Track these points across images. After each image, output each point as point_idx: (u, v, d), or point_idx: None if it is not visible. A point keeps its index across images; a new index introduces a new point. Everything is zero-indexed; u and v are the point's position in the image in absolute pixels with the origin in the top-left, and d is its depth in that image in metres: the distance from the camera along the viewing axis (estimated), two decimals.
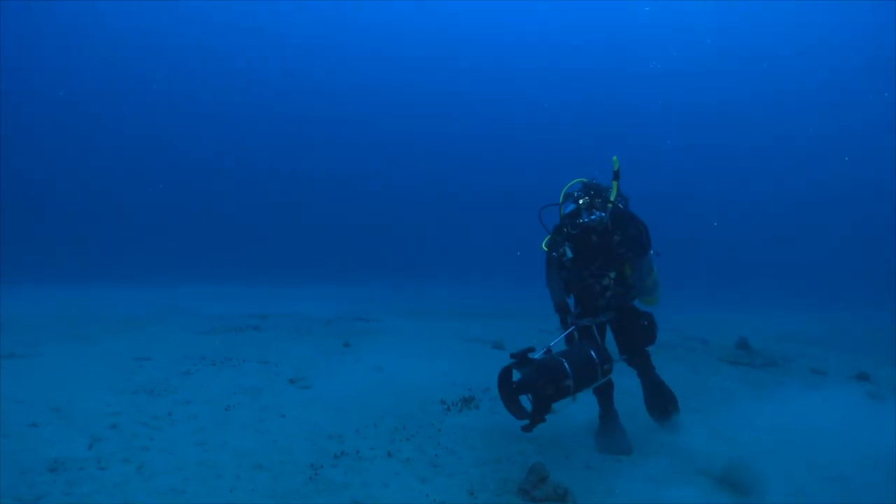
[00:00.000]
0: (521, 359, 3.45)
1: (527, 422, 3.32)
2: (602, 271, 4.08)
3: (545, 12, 48.47)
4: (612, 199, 4.12)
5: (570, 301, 4.29)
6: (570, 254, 4.10)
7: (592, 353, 3.65)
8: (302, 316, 11.02)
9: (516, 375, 3.46)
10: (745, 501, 3.19)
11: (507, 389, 3.46)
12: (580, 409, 4.31)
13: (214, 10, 45.86)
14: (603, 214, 4.00)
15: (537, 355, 3.56)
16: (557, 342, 3.97)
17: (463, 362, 6.83)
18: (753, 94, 47.01)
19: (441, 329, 10.16)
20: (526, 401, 3.47)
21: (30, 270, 20.50)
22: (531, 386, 3.33)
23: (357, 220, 46.71)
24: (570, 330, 4.07)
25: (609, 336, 4.29)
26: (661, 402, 4.31)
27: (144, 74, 47.17)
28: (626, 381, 4.88)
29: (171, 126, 49.52)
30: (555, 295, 4.25)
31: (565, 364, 3.45)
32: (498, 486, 3.30)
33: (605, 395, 4.20)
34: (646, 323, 4.14)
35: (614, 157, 4.27)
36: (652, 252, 4.21)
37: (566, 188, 4.29)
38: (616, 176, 4.22)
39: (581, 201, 4.04)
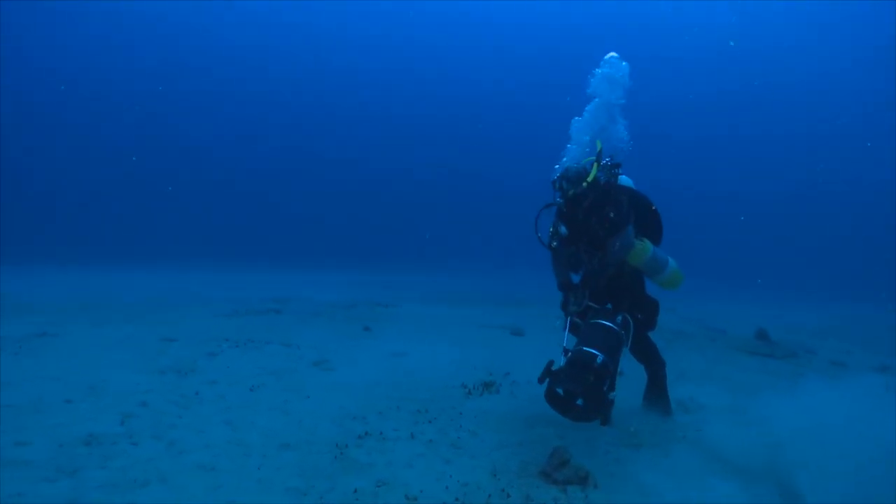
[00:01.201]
0: (550, 375, 3.43)
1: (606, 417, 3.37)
2: (590, 250, 4.13)
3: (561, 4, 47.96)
4: (589, 179, 4.02)
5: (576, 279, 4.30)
6: (564, 230, 4.10)
7: (602, 321, 3.68)
8: (320, 301, 11.14)
9: (560, 391, 3.43)
10: (772, 493, 3.19)
11: (564, 407, 3.43)
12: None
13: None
14: (577, 192, 3.99)
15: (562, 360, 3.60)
16: (568, 338, 3.96)
17: (482, 348, 6.88)
18: (769, 86, 46.31)
19: (459, 315, 10.22)
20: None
21: (53, 255, 20.91)
22: (575, 390, 3.32)
23: (371, 208, 46.90)
24: (568, 321, 4.03)
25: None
26: (651, 407, 4.44)
27: (160, 59, 47.54)
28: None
29: (190, 114, 49.91)
30: (558, 276, 4.26)
31: (585, 349, 3.46)
32: (520, 468, 3.34)
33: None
34: (640, 316, 4.16)
35: (597, 141, 4.25)
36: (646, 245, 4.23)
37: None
38: (598, 158, 4.17)
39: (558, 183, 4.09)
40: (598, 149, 4.20)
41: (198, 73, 49.60)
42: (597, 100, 4.43)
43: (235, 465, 3.20)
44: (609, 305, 4.21)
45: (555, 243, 4.16)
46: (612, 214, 4.02)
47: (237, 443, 3.52)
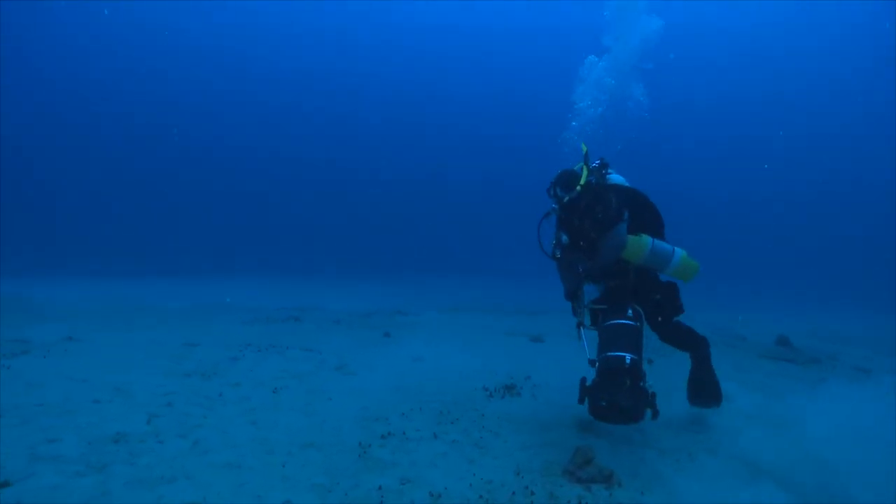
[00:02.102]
0: (589, 392, 3.47)
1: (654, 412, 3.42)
2: (587, 254, 4.04)
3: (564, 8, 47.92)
4: (581, 182, 3.98)
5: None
6: (565, 238, 4.06)
7: (615, 322, 3.68)
8: (339, 310, 11.18)
9: (603, 403, 3.44)
10: (808, 494, 3.12)
11: (612, 416, 3.44)
12: None
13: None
14: (570, 197, 3.96)
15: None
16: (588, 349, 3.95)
17: (502, 353, 6.86)
18: (784, 88, 45.91)
19: (477, 323, 10.20)
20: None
21: (79, 265, 21.27)
22: (618, 399, 3.35)
23: (384, 218, 47.06)
24: (582, 331, 4.04)
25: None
26: (701, 391, 4.22)
27: (183, 66, 48.43)
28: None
29: (210, 125, 50.71)
30: (565, 286, 4.23)
31: (611, 354, 3.49)
32: (543, 467, 3.32)
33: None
34: (658, 297, 4.09)
35: (582, 144, 4.23)
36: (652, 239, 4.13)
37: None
38: (585, 161, 4.13)
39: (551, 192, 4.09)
40: (584, 151, 4.17)
41: (225, 85, 50.40)
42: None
43: (260, 463, 3.23)
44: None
45: (558, 253, 4.12)
46: (600, 215, 3.94)
47: (261, 441, 3.55)
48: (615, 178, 4.36)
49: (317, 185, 50.99)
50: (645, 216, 4.25)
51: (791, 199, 45.72)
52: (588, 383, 3.51)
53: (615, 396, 3.34)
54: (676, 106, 44.44)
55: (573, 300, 4.17)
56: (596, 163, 4.28)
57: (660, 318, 4.18)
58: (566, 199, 3.96)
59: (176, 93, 48.66)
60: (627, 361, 3.39)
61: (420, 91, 53.53)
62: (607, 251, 3.94)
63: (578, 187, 3.94)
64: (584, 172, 4.02)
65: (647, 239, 4.04)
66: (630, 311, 3.76)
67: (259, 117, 51.79)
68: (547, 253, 4.16)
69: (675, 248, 4.12)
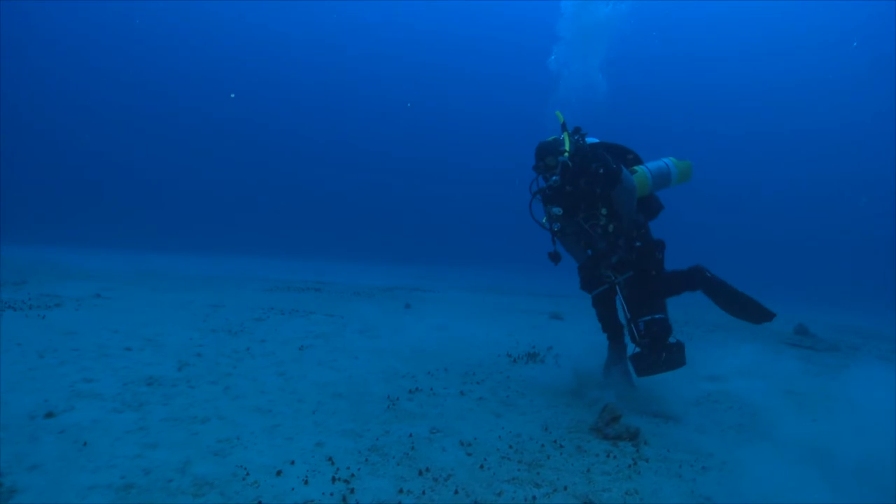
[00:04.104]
0: (640, 359, 3.85)
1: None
2: (591, 214, 4.02)
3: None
4: (567, 149, 3.98)
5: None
6: (558, 210, 4.03)
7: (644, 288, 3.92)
8: (358, 284, 11.27)
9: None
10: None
11: (654, 367, 3.82)
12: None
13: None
14: (556, 178, 3.95)
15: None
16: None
17: (524, 327, 6.88)
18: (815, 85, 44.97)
19: (496, 301, 10.22)
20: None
21: (108, 237, 21.60)
22: (671, 355, 3.78)
23: (401, 204, 47.12)
24: (602, 290, 4.15)
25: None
26: (742, 310, 3.93)
27: (230, 58, 48.65)
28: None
29: (245, 113, 51.00)
30: (577, 258, 4.24)
31: (651, 318, 3.83)
32: (571, 424, 3.33)
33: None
34: (653, 272, 4.03)
35: (557, 112, 4.22)
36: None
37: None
38: (564, 128, 4.14)
39: (536, 169, 4.09)
40: (561, 121, 4.20)
41: (259, 67, 50.51)
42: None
43: (291, 410, 3.27)
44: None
45: (556, 226, 4.12)
46: (601, 170, 3.91)
47: (290, 391, 3.60)
48: (591, 140, 4.34)
49: (336, 171, 51.14)
50: (626, 156, 4.38)
51: (815, 195, 45.02)
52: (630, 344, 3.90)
53: (669, 357, 3.77)
54: (711, 98, 43.84)
55: (586, 270, 4.18)
56: (571, 129, 4.26)
57: (654, 272, 4.06)
58: (561, 161, 3.96)
59: (213, 74, 48.93)
60: (667, 321, 3.76)
61: (435, 82, 53.21)
62: (625, 203, 3.94)
63: (566, 154, 3.95)
64: (566, 138, 4.05)
65: (642, 168, 4.23)
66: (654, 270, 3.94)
67: (292, 103, 52.01)
68: (545, 227, 4.16)
69: (662, 160, 4.31)
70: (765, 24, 43.31)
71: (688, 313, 9.60)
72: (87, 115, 45.25)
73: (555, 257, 4.14)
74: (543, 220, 4.15)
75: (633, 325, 3.92)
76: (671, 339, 3.82)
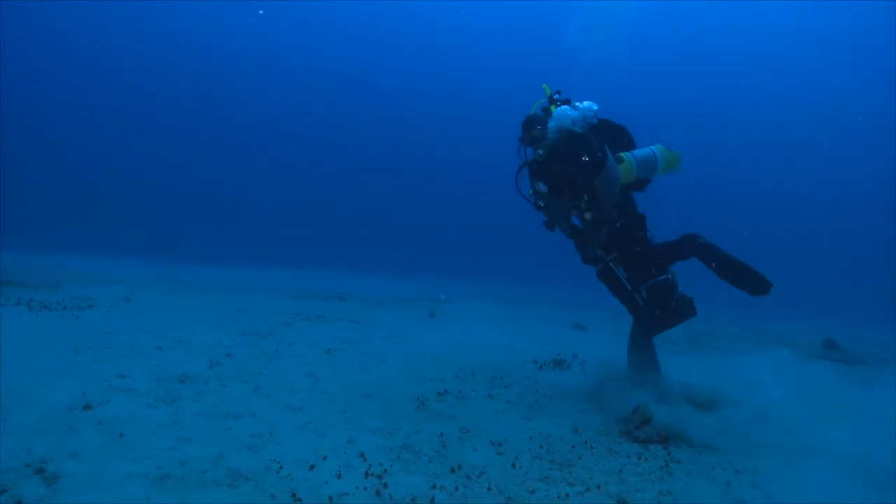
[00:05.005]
0: (655, 319, 4.00)
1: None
2: (574, 197, 3.99)
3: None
4: (551, 125, 3.94)
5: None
6: (543, 187, 4.00)
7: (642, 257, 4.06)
8: (379, 294, 11.32)
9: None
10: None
11: (667, 322, 4.00)
12: (679, 370, 4.26)
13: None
14: (541, 152, 3.94)
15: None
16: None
17: (547, 336, 6.84)
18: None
19: (519, 312, 10.19)
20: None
21: (137, 248, 22.01)
22: (681, 309, 3.99)
23: (423, 213, 47.18)
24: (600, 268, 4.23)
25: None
26: (742, 280, 3.86)
27: (250, 69, 49.31)
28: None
29: (257, 119, 51.57)
30: (563, 230, 4.25)
31: (655, 282, 4.00)
32: (600, 427, 3.30)
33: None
34: (637, 249, 4.05)
35: (543, 85, 4.16)
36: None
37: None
38: (551, 101, 4.07)
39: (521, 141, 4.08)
40: (548, 93, 4.14)
41: (271, 80, 51.16)
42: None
43: (321, 409, 3.29)
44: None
45: (541, 202, 4.11)
46: (585, 158, 3.85)
47: (320, 391, 3.62)
48: (582, 106, 4.17)
49: (349, 184, 51.36)
50: (616, 138, 4.30)
51: (848, 208, 44.16)
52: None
53: (679, 306, 3.96)
54: (746, 109, 43.25)
55: (576, 239, 4.25)
56: (557, 96, 4.17)
57: (638, 249, 4.08)
58: (551, 138, 3.94)
59: (224, 87, 49.68)
60: (670, 279, 3.96)
61: (453, 90, 53.30)
62: (608, 192, 3.89)
63: (547, 136, 3.96)
64: (553, 110, 4.02)
65: (628, 156, 4.17)
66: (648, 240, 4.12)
67: (301, 107, 52.36)
68: (530, 201, 4.15)
69: (651, 147, 4.25)
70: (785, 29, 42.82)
71: (709, 323, 9.48)
72: (87, 116, 45.78)
73: (549, 225, 4.25)
74: (529, 194, 4.13)
75: (637, 296, 4.09)
76: (678, 293, 3.97)
